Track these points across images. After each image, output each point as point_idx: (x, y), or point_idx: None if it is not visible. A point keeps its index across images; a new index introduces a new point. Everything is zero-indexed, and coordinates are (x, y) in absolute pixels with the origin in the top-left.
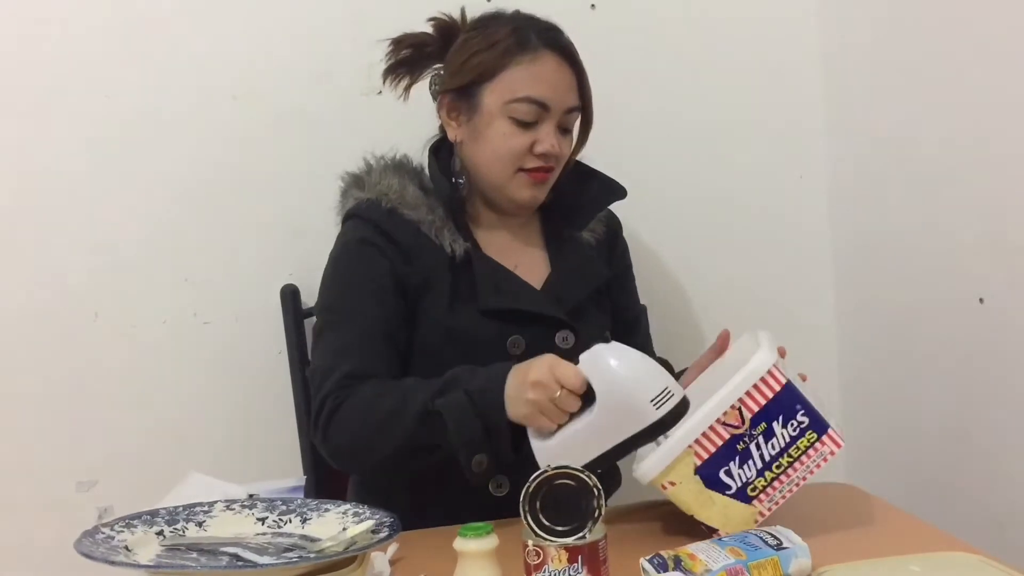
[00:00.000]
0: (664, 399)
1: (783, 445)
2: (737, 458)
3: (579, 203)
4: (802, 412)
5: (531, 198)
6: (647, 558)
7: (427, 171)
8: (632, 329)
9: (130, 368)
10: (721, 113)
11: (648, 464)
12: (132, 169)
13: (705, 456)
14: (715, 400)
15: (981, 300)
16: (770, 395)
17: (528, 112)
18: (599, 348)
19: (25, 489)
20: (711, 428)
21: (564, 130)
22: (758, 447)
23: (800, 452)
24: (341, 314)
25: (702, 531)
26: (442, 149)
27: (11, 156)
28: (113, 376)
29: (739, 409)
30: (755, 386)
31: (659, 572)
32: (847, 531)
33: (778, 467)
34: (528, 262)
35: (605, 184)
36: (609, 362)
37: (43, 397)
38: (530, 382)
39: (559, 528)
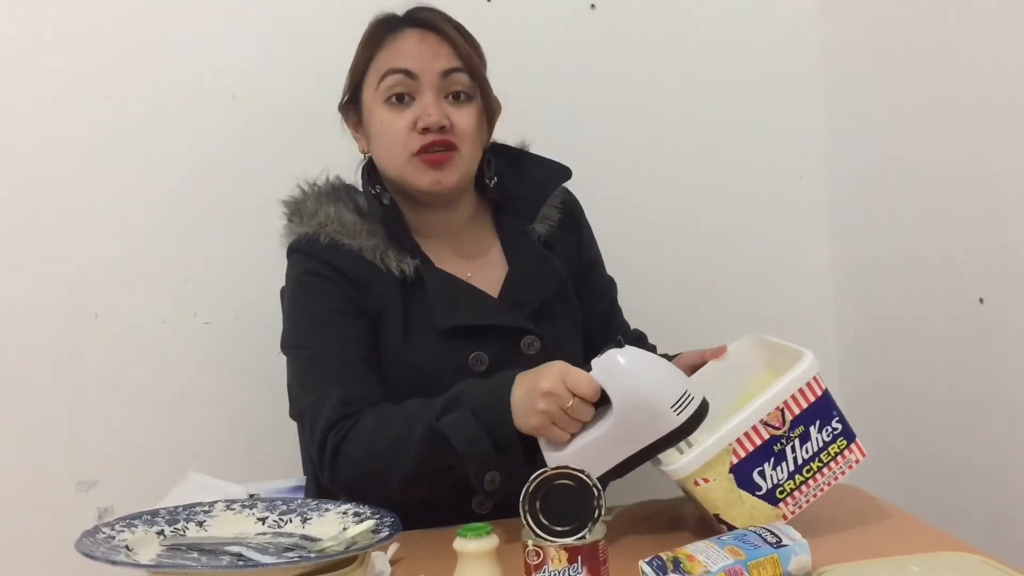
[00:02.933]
0: (685, 403)
1: (816, 449)
2: (772, 459)
3: (523, 193)
4: (836, 419)
5: (432, 183)
6: (646, 560)
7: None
8: (609, 315)
9: (130, 368)
10: (721, 113)
11: (685, 460)
12: (132, 169)
13: (743, 455)
14: (760, 400)
15: (981, 300)
16: (812, 399)
17: (395, 84)
18: (612, 353)
19: (25, 489)
20: (753, 428)
21: (454, 97)
22: (793, 450)
23: (830, 458)
24: (313, 347)
25: (705, 530)
26: (374, 169)
27: (11, 156)
28: (113, 376)
29: (782, 410)
30: (800, 390)
31: (658, 574)
32: (847, 531)
33: (808, 471)
34: (482, 266)
35: (545, 167)
36: (624, 368)
37: (43, 397)
38: (540, 392)
39: (559, 528)
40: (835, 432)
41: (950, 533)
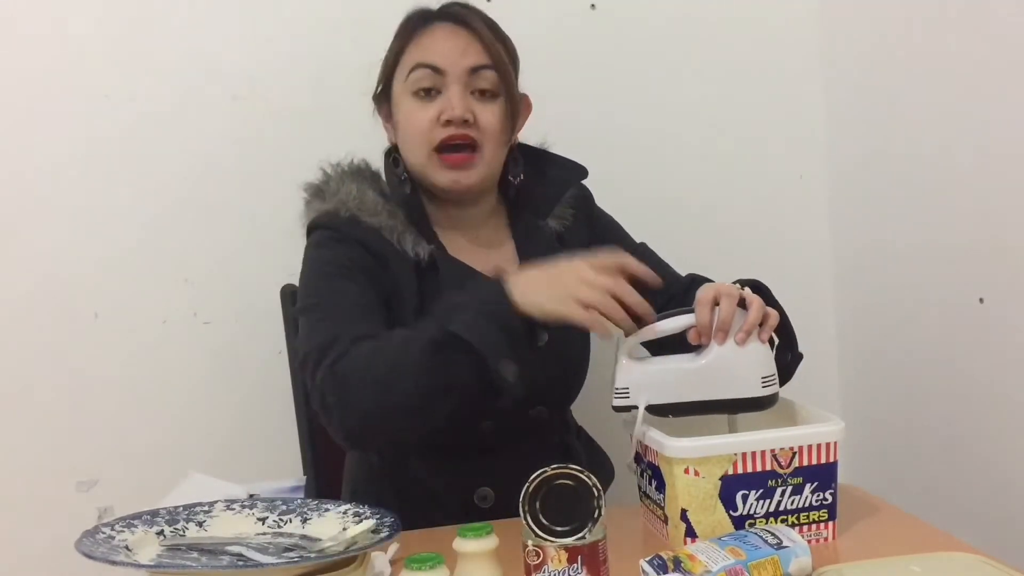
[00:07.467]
0: (772, 381)
1: (800, 506)
2: (762, 491)
3: (539, 190)
4: (831, 492)
5: (451, 182)
6: (647, 559)
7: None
8: (673, 282)
9: (130, 368)
10: (721, 113)
11: (692, 443)
12: (132, 169)
13: (740, 471)
14: (782, 432)
15: (981, 300)
16: (823, 461)
17: (422, 78)
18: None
19: (25, 489)
20: (762, 452)
21: (480, 93)
22: (783, 494)
23: (806, 521)
24: (327, 296)
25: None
26: (398, 156)
27: (11, 156)
28: (113, 376)
29: (794, 454)
30: (819, 445)
31: (659, 573)
32: (847, 531)
33: (782, 520)
34: (494, 260)
35: (563, 166)
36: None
37: (43, 397)
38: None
39: (559, 528)
40: (824, 502)
41: (950, 533)
